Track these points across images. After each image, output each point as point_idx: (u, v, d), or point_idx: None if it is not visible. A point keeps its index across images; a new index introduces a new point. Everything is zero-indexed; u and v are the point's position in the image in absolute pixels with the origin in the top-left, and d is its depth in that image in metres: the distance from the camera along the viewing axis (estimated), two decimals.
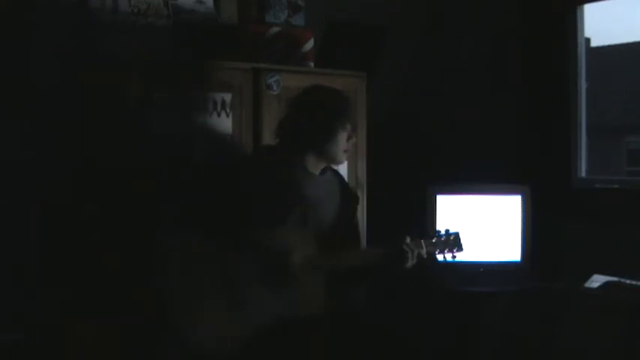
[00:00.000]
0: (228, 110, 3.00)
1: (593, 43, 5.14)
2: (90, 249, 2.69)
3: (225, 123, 2.99)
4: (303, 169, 2.61)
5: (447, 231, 2.68)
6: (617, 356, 2.94)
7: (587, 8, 3.82)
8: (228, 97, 3.00)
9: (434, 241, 2.63)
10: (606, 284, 3.18)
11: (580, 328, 3.08)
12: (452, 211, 3.51)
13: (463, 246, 2.68)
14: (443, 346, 3.38)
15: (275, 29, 3.25)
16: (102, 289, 2.65)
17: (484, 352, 3.37)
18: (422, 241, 2.60)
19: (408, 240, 2.58)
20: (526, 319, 3.37)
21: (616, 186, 3.76)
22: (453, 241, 2.67)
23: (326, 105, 2.60)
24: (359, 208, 3.31)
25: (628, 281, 3.14)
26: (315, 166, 2.64)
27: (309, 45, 3.34)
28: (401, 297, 3.53)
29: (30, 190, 2.80)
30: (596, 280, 3.23)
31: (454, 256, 2.68)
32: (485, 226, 3.52)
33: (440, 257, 2.67)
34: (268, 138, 3.04)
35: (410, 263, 2.56)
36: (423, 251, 2.58)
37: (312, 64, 3.35)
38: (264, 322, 2.36)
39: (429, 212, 3.51)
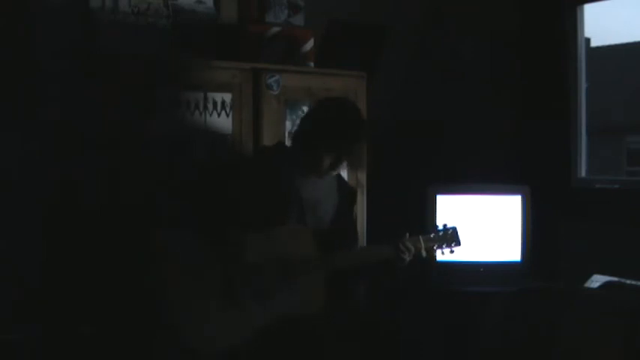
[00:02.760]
0: (228, 110, 3.00)
1: (593, 43, 5.14)
2: (89, 249, 2.69)
3: (225, 123, 2.99)
4: (303, 171, 2.61)
5: (444, 226, 2.70)
6: (617, 356, 2.94)
7: (587, 8, 3.82)
8: (228, 97, 3.00)
9: (432, 236, 2.65)
10: (606, 284, 3.18)
11: (580, 328, 3.08)
12: (452, 211, 3.51)
13: (461, 240, 2.71)
14: (443, 346, 3.38)
15: (275, 29, 3.25)
16: (100, 290, 2.65)
17: (484, 352, 3.37)
18: (420, 237, 2.61)
19: (407, 237, 2.59)
20: (526, 319, 3.36)
21: (616, 186, 3.76)
22: (451, 236, 2.69)
23: (349, 124, 2.56)
24: (359, 207, 3.32)
25: (628, 281, 3.13)
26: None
27: (309, 45, 3.34)
28: (401, 297, 3.53)
29: (29, 191, 2.80)
30: (596, 280, 3.23)
31: (452, 251, 2.69)
32: (485, 226, 3.52)
33: (439, 252, 2.68)
34: (268, 138, 3.05)
35: (406, 260, 2.58)
36: (422, 247, 2.60)
37: (312, 64, 3.35)
38: (263, 322, 2.36)
39: (429, 212, 3.51)
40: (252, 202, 2.46)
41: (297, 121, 3.18)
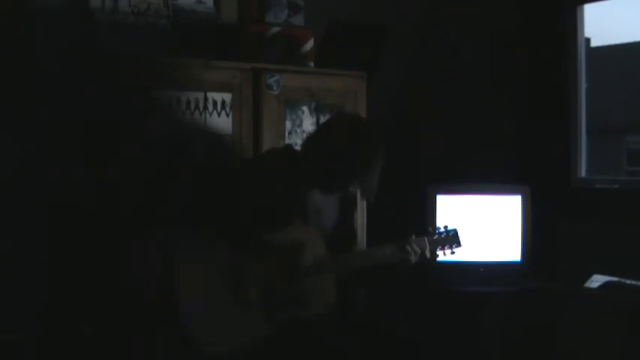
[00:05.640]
0: (228, 110, 3.00)
1: (593, 43, 5.15)
2: (90, 249, 2.69)
3: (225, 123, 2.99)
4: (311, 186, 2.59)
5: (445, 227, 2.71)
6: (617, 356, 2.94)
7: (587, 8, 3.82)
8: (228, 97, 3.00)
9: (435, 238, 2.67)
10: (606, 284, 3.17)
11: (580, 329, 3.08)
12: (452, 211, 3.51)
13: (461, 242, 2.73)
14: (443, 346, 3.38)
15: (275, 29, 3.25)
16: (101, 290, 2.65)
17: (484, 352, 3.37)
18: (425, 238, 2.62)
19: (413, 237, 2.60)
20: (526, 319, 3.36)
21: (616, 186, 3.76)
22: (452, 238, 2.71)
23: (364, 160, 2.51)
24: (359, 207, 3.32)
25: (628, 281, 3.13)
26: None
27: (309, 45, 3.34)
28: (401, 297, 3.53)
29: (30, 191, 2.80)
30: (596, 280, 3.23)
31: (453, 252, 2.72)
32: (485, 226, 3.52)
33: (440, 253, 2.70)
34: (268, 138, 3.05)
35: (412, 261, 2.58)
36: (427, 248, 2.61)
37: (312, 64, 3.35)
38: (269, 324, 2.36)
39: (429, 212, 3.51)
40: (254, 204, 2.46)
41: (301, 124, 3.18)
